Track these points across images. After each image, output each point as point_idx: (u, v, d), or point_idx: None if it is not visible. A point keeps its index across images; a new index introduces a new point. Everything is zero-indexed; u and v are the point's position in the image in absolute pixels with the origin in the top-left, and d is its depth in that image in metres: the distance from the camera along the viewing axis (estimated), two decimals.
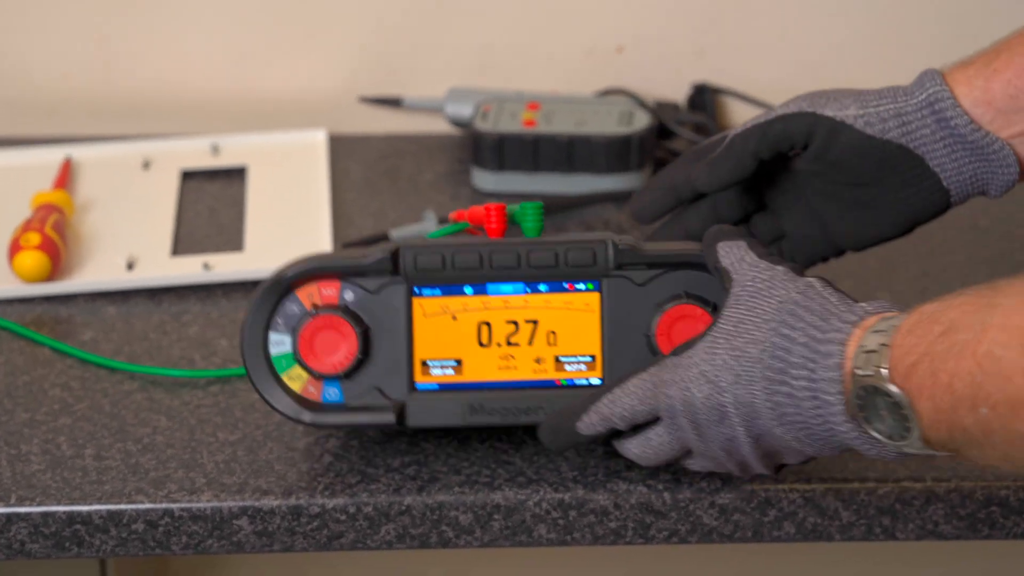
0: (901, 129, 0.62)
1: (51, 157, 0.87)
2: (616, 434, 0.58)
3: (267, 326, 0.58)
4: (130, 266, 0.76)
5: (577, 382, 0.60)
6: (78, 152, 0.88)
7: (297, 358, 0.58)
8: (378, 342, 0.59)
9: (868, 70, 0.90)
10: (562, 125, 0.83)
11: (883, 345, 0.51)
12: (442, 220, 0.76)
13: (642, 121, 0.84)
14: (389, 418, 0.58)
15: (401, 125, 0.95)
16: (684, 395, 0.56)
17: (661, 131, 0.87)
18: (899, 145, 0.62)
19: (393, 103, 0.93)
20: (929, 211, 0.63)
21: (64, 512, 0.56)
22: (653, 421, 0.57)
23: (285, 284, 0.58)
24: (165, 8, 0.94)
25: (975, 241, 0.75)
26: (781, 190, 0.66)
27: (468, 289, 0.58)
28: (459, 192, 0.85)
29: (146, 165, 0.87)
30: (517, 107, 0.86)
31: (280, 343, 0.59)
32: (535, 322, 0.59)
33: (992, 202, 0.75)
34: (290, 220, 0.81)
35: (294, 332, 0.58)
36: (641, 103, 0.88)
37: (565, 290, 0.59)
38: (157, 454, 0.59)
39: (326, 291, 0.58)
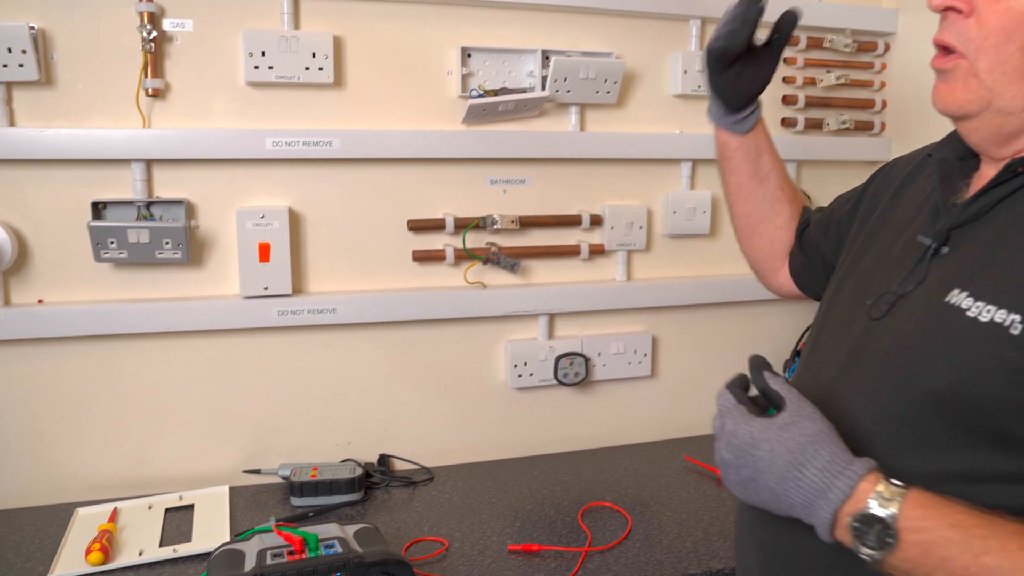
0: None
1: (106, 508, 1.29)
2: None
3: None
4: (140, 553, 1.16)
5: None
6: (120, 504, 1.31)
7: None
8: None
9: (479, 442, 1.45)
10: (327, 475, 1.36)
11: (898, 498, 0.60)
12: (277, 522, 1.07)
13: (359, 471, 1.38)
14: None
15: (262, 481, 1.41)
16: (733, 440, 0.67)
17: (368, 475, 1.41)
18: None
19: (257, 472, 1.40)
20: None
21: None
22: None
23: None
24: (159, 434, 1.36)
25: None
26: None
27: None
28: (284, 507, 1.33)
29: (150, 507, 1.31)
30: (308, 469, 1.38)
31: None
32: None
33: None
34: (212, 527, 1.23)
35: None
36: (359, 464, 1.42)
37: None
38: None
39: None
